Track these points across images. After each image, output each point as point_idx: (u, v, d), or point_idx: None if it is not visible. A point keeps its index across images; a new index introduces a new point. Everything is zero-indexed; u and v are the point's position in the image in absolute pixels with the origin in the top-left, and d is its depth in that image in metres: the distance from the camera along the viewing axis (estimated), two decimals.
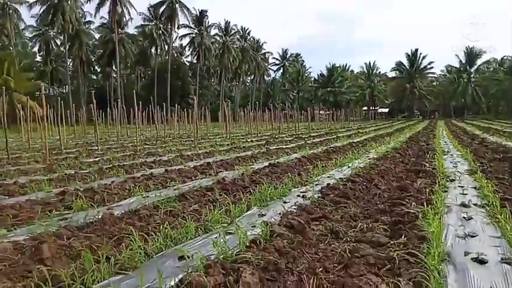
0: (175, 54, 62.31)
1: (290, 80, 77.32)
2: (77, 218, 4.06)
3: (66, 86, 58.08)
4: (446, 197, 4.52)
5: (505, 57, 71.18)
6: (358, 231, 3.38)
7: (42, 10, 44.59)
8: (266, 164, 8.09)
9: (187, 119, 32.52)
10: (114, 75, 56.78)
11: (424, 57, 72.21)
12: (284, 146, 13.00)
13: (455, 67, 71.41)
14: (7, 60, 35.33)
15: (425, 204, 3.88)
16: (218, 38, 62.09)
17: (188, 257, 2.70)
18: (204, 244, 3.08)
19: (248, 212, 4.10)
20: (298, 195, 4.90)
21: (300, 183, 5.72)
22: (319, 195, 4.89)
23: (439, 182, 5.41)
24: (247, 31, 68.65)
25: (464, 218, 3.69)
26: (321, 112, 57.27)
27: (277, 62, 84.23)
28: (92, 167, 8.37)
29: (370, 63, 77.08)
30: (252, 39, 69.91)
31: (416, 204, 4.06)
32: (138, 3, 65.65)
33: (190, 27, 57.54)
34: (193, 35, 57.84)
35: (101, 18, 54.38)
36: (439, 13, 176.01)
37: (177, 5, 50.87)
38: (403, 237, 3.07)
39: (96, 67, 61.71)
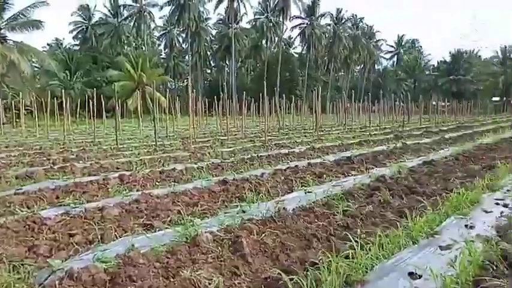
0: (284, 46, 62.69)
1: (405, 69, 71.42)
2: (251, 210, 3.99)
3: (185, 80, 63.30)
4: None
5: None
6: None
7: (170, 10, 49.08)
8: (418, 161, 7.25)
9: (297, 110, 32.41)
10: (227, 69, 59.83)
11: None
12: (420, 141, 11.75)
13: None
14: (141, 57, 39.86)
15: None
16: (329, 27, 60.38)
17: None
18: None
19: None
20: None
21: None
22: None
23: None
24: (361, 18, 65.33)
25: None
26: (440, 103, 51.55)
27: (391, 49, 78.59)
28: (232, 156, 8.59)
29: (506, 47, 66.51)
30: (365, 26, 66.36)
31: None
32: None
33: (302, 18, 57.09)
34: (304, 25, 57.27)
35: (217, 15, 57.67)
36: None
37: None
38: None
39: (211, 61, 65.86)
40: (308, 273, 2.43)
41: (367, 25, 67.58)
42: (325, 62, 67.69)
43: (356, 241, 2.78)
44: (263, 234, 3.30)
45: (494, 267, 2.47)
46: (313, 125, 18.86)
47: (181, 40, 60.96)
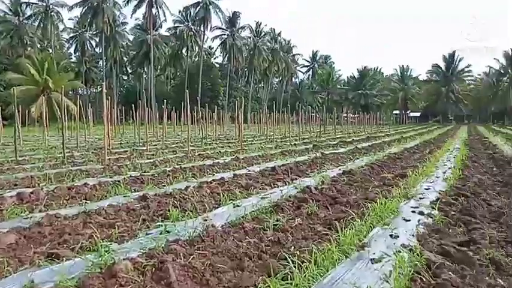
0: (205, 56, 62.47)
1: (320, 82, 76.12)
2: (177, 230, 3.65)
3: (99, 86, 59.32)
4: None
5: None
6: None
7: (82, 11, 45.63)
8: (338, 170, 7.54)
9: (219, 121, 32.28)
10: (145, 76, 57.50)
11: (461, 60, 69.55)
12: (336, 151, 12.39)
13: (495, 69, 68.15)
14: (47, 60, 36.21)
15: None
16: (249, 40, 61.74)
17: None
18: None
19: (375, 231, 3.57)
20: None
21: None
22: None
23: None
24: (278, 32, 68.09)
25: None
26: (350, 115, 56.09)
27: (307, 63, 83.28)
28: (153, 169, 8.06)
29: (403, 66, 74.93)
30: (282, 40, 69.28)
31: None
32: (170, 4, 66.33)
33: (223, 29, 57.53)
34: (225, 36, 57.79)
35: (136, 20, 55.33)
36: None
37: (210, 7, 50.90)
38: None
39: (128, 68, 62.76)
40: None
41: (285, 40, 70.71)
42: (245, 73, 69.05)
43: (292, 261, 2.64)
44: (191, 257, 3.00)
45: (423, 279, 2.52)
46: (236, 135, 18.88)
47: (94, 44, 57.15)
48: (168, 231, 3.60)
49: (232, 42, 56.54)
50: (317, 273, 2.55)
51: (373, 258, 2.85)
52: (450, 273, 2.62)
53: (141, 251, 3.05)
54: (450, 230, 3.69)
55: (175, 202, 4.76)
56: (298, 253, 2.93)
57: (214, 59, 68.21)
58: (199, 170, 7.71)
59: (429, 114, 75.87)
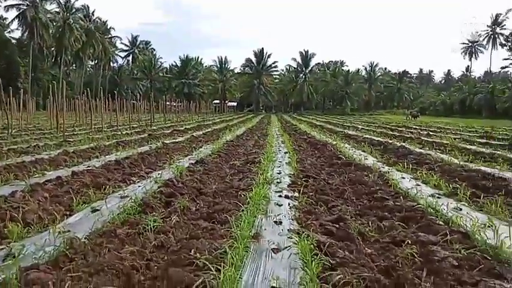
0: None
1: (142, 69, 73.07)
2: (26, 251, 2.79)
3: None
4: None
5: (330, 62, 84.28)
6: None
7: None
8: (189, 160, 7.37)
9: (23, 108, 26.89)
10: None
11: (269, 56, 78.78)
12: (175, 140, 12.16)
13: (294, 67, 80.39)
14: None
15: None
16: (58, 16, 53.48)
17: None
18: None
19: None
20: None
21: None
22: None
23: None
24: (92, 11, 61.51)
25: None
26: (173, 104, 56.08)
27: (126, 48, 78.52)
28: None
29: (222, 58, 79.56)
30: (98, 20, 62.96)
31: None
32: None
33: None
34: (25, 7, 48.34)
35: None
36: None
37: None
38: None
39: None
40: None
41: (100, 19, 64.63)
42: (53, 53, 59.85)
43: (204, 265, 2.37)
44: (61, 283, 2.34)
45: (325, 263, 2.66)
46: (53, 124, 16.19)
47: None
48: (14, 256, 2.71)
49: (34, 15, 47.84)
50: (234, 276, 2.36)
51: (274, 248, 2.87)
52: (340, 250, 2.88)
53: None
54: (317, 210, 4.08)
55: (5, 215, 3.66)
56: (199, 255, 2.67)
57: (9, 32, 56.24)
58: (20, 169, 6.20)
59: (244, 104, 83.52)
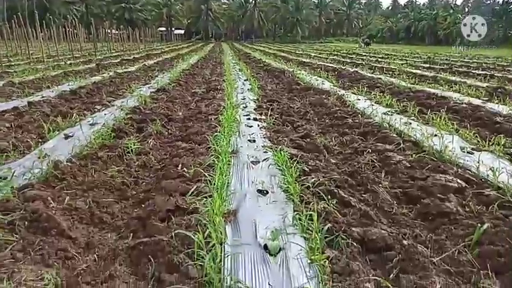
0: None
1: None
2: (20, 171, 2.85)
3: None
4: None
5: None
6: None
7: None
8: (148, 88, 7.25)
9: None
10: None
11: None
12: (128, 70, 11.65)
13: None
14: None
15: None
16: None
17: None
18: None
19: None
20: None
21: None
22: None
23: None
24: None
25: None
26: (114, 31, 51.81)
27: None
28: None
29: None
30: None
31: None
32: None
33: None
34: None
35: None
36: None
37: None
38: None
39: None
40: None
41: None
42: None
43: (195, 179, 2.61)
44: (65, 200, 2.49)
45: (301, 172, 3.01)
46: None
47: None
48: (5, 178, 2.77)
49: None
50: (224, 183, 2.64)
51: (253, 161, 3.16)
52: (311, 160, 3.24)
53: None
54: (284, 129, 4.39)
55: None
56: (186, 170, 2.90)
57: None
58: None
59: (192, 32, 79.37)
